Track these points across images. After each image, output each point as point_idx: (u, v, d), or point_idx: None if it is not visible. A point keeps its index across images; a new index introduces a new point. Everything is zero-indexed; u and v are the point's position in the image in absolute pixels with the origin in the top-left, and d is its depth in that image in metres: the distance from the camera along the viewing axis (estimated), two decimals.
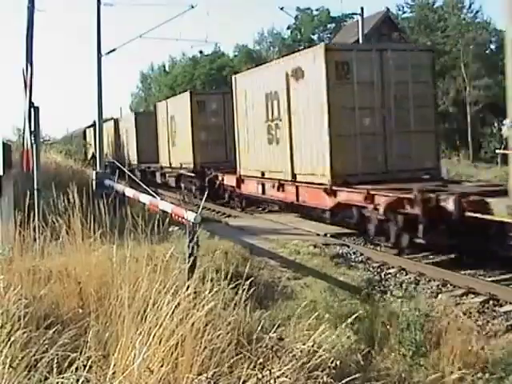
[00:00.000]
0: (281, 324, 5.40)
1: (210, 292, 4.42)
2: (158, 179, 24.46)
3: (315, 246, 9.88)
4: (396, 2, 68.09)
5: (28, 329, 3.47)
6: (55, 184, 6.62)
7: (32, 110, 8.53)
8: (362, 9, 22.73)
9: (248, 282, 4.60)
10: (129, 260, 4.77)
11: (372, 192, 10.09)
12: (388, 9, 40.34)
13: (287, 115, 12.83)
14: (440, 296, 7.46)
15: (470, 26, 39.62)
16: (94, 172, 13.89)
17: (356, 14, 25.93)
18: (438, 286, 7.95)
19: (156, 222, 5.74)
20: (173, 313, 3.60)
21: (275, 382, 3.16)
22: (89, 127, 37.17)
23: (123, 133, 32.20)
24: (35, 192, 8.05)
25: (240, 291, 4.55)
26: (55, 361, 3.17)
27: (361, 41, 22.08)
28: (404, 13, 46.48)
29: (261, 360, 3.36)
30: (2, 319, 3.54)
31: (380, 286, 7.86)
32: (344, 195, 11.00)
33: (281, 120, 13.15)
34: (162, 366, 3.18)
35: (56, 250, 5.58)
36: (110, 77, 75.82)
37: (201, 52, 59.69)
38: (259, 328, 4.11)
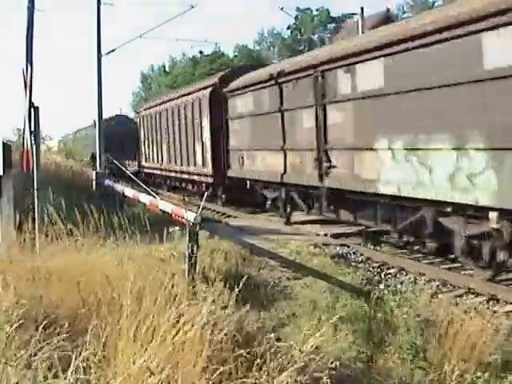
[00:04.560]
0: (281, 324, 5.42)
1: (209, 292, 4.42)
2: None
3: (315, 246, 9.86)
4: (396, 3, 68.15)
5: (27, 329, 3.46)
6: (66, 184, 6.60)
7: (32, 109, 8.50)
8: (362, 9, 22.67)
9: (248, 282, 4.60)
10: (129, 260, 4.77)
11: None
12: (388, 9, 40.34)
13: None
14: (440, 296, 7.44)
15: None
16: (94, 172, 13.89)
17: (356, 14, 25.96)
18: (438, 286, 7.94)
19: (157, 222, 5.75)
20: (173, 313, 3.59)
21: (273, 382, 3.16)
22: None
23: None
24: (35, 192, 8.03)
25: (240, 291, 4.54)
26: (54, 361, 3.16)
27: None
28: (404, 13, 46.65)
29: (258, 361, 3.36)
30: (1, 319, 3.54)
31: (380, 285, 7.84)
32: None
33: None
34: (161, 366, 3.17)
35: (55, 249, 5.58)
36: (110, 77, 75.68)
37: (201, 52, 59.73)
38: (259, 328, 4.10)
